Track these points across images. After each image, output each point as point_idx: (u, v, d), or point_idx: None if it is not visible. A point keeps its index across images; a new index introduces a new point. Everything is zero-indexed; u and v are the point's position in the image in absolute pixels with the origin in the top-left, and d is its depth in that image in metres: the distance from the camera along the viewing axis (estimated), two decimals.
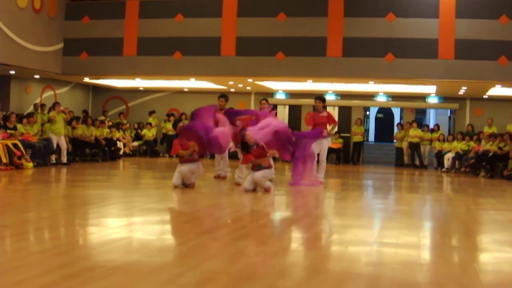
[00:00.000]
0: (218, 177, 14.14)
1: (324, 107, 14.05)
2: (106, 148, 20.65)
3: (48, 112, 18.26)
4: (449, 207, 10.78)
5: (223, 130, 11.99)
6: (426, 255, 6.14)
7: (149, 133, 24.44)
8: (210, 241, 6.45)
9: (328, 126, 13.65)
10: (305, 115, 23.02)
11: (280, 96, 25.28)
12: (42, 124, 18.03)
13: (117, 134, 22.47)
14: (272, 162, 11.67)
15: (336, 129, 14.28)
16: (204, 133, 11.41)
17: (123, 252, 5.63)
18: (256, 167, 11.23)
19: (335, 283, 4.73)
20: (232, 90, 24.40)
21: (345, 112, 25.01)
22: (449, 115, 26.34)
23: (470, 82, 19.03)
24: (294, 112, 25.20)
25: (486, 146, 19.38)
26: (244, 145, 11.43)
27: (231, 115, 12.98)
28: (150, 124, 24.65)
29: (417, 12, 18.67)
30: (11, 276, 4.51)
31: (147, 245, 6.06)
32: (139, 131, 24.60)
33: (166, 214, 8.75)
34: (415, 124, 23.38)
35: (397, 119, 33.18)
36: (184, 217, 8.62)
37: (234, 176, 12.89)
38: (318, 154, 13.65)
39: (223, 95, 14.10)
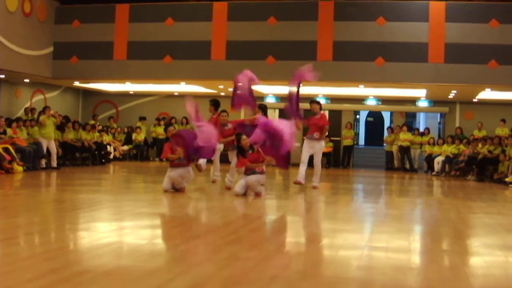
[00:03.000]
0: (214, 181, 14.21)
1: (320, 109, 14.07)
2: (96, 152, 20.61)
3: (38, 116, 18.22)
4: (439, 211, 10.79)
5: (207, 133, 11.91)
6: (416, 259, 6.15)
7: (138, 137, 24.39)
8: (201, 245, 6.45)
9: (315, 133, 13.61)
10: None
11: (270, 100, 25.29)
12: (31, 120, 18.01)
13: (107, 138, 22.41)
14: (264, 168, 11.67)
15: (326, 132, 14.22)
16: (191, 140, 11.40)
17: (114, 256, 5.61)
18: (249, 172, 11.24)
19: (326, 287, 4.73)
20: (222, 94, 24.38)
21: (335, 115, 25.04)
22: (439, 118, 26.44)
23: (460, 85, 19.10)
24: (284, 116, 25.19)
25: (477, 148, 19.37)
26: (240, 149, 11.43)
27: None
28: (139, 128, 24.60)
29: (407, 16, 18.74)
30: (1, 281, 4.49)
31: (138, 249, 6.05)
32: (134, 134, 24.54)
33: (157, 219, 8.73)
34: (405, 128, 23.43)
35: (387, 123, 33.30)
36: (175, 221, 8.60)
37: (225, 180, 12.88)
38: (312, 158, 13.64)
39: (214, 100, 14.15)
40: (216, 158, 14.06)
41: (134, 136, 24.40)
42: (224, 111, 13.63)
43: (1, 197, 10.93)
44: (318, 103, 14.04)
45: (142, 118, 25.09)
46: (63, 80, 22.25)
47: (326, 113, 24.09)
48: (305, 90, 22.17)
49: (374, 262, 5.76)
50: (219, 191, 12.78)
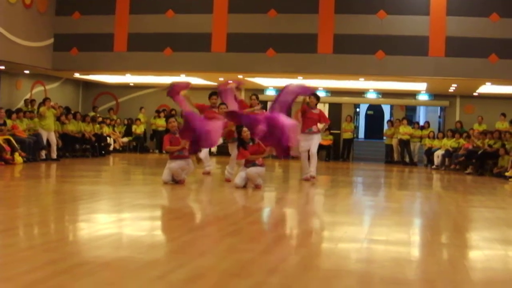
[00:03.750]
0: (207, 173, 14.18)
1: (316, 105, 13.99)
2: (96, 144, 20.61)
3: (38, 108, 18.21)
4: (439, 204, 10.80)
5: (217, 125, 11.93)
6: (416, 252, 6.15)
7: (138, 130, 24.37)
8: (200, 237, 6.44)
9: (319, 124, 13.63)
10: (296, 111, 23.08)
11: (270, 92, 25.25)
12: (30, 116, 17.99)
13: (107, 130, 22.41)
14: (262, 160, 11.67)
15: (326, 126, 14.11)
16: (199, 128, 11.42)
17: (113, 248, 5.61)
18: (249, 164, 11.24)
19: (325, 280, 4.73)
20: None
21: (335, 109, 25.05)
22: (439, 112, 26.43)
23: (460, 79, 19.08)
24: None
25: (477, 142, 19.40)
26: (241, 140, 11.43)
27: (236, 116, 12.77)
28: (139, 119, 24.57)
29: (408, 9, 18.70)
30: (0, 272, 4.49)
31: (137, 241, 6.05)
32: (134, 126, 24.51)
33: (156, 210, 8.73)
34: (405, 121, 23.38)
35: (387, 116, 33.28)
36: (174, 213, 8.60)
37: (225, 172, 12.88)
38: (309, 150, 13.62)
39: (215, 93, 14.09)
40: (206, 150, 14.11)
41: (134, 128, 24.39)
42: (223, 103, 13.56)
43: (1, 188, 10.93)
44: (317, 97, 13.94)
45: (142, 107, 25.02)
46: (63, 71, 22.22)
47: (326, 106, 24.17)
48: (305, 82, 22.21)
49: (373, 255, 5.76)
50: (218, 183, 12.78)
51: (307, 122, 13.44)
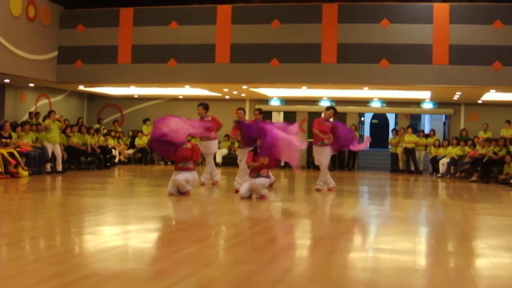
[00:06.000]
0: (215, 183, 14.26)
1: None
2: (101, 156, 20.63)
3: (43, 121, 18.26)
4: (444, 213, 10.78)
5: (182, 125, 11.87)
6: (422, 260, 6.15)
7: (140, 141, 24.30)
8: (205, 248, 6.44)
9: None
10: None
11: (274, 102, 25.29)
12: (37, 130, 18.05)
13: (112, 142, 22.42)
14: (269, 172, 11.67)
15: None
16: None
17: (119, 260, 5.62)
18: (254, 174, 11.25)
19: None
20: (227, 97, 24.40)
21: (340, 118, 24.91)
22: (444, 120, 26.41)
23: (464, 87, 19.06)
24: (289, 118, 25.17)
25: (481, 150, 19.41)
26: (255, 149, 11.45)
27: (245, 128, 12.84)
28: (141, 132, 24.45)
29: (411, 18, 18.70)
30: (7, 285, 4.50)
31: (143, 253, 6.06)
32: (136, 138, 24.51)
33: (162, 222, 8.74)
34: (410, 130, 23.37)
35: (392, 125, 33.26)
36: (180, 224, 8.61)
37: (234, 183, 12.88)
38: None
39: (202, 103, 14.09)
40: (208, 162, 14.20)
41: (136, 141, 24.31)
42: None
43: (6, 201, 10.96)
44: (336, 111, 13.96)
45: (146, 120, 24.97)
46: (67, 84, 22.26)
47: None
48: (309, 92, 22.28)
49: (379, 264, 5.76)
50: (223, 194, 12.79)
51: (319, 135, 13.38)
